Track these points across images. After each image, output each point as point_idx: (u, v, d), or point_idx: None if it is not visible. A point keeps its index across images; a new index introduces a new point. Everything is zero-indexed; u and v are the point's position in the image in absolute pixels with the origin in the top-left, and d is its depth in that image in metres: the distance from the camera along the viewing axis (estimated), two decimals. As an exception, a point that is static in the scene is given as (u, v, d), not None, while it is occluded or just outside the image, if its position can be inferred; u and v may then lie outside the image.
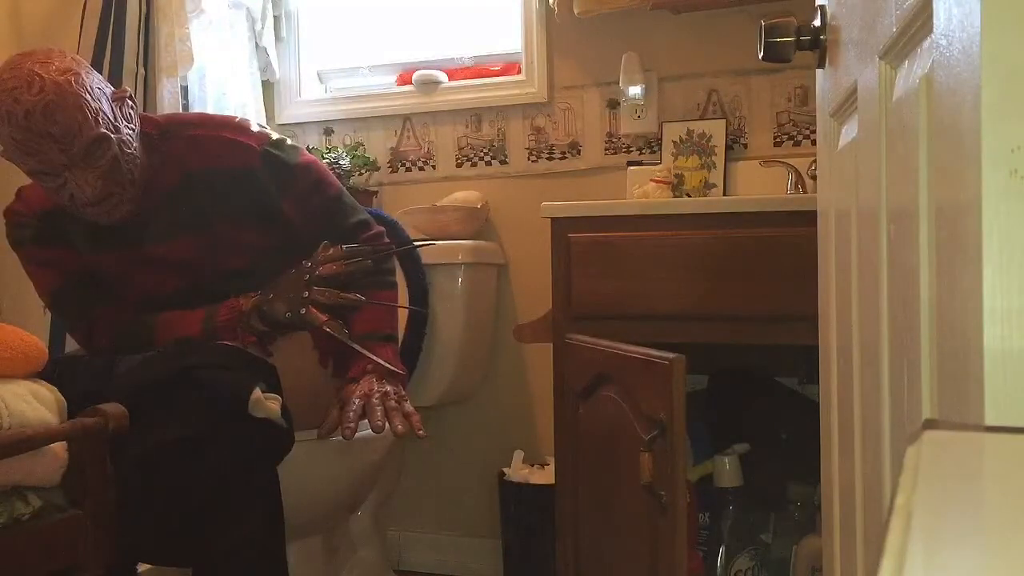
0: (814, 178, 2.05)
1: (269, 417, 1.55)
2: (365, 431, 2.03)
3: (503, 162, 2.55)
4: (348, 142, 2.69)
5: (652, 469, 1.45)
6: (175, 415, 1.54)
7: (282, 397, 1.60)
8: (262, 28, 2.67)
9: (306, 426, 1.71)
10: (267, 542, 1.56)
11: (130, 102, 1.72)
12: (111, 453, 1.39)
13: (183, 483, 1.53)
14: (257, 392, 1.54)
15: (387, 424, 1.71)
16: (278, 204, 1.80)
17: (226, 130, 1.80)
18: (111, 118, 1.67)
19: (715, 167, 2.30)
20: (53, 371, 1.46)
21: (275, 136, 1.85)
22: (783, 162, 2.20)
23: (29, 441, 1.28)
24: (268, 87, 2.75)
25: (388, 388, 1.77)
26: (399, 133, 2.65)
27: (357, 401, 1.74)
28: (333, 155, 2.57)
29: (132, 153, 1.70)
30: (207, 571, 1.56)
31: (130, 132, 1.71)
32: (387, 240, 1.91)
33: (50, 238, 1.81)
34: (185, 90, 2.51)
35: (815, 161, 1.76)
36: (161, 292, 1.80)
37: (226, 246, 1.79)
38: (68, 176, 1.64)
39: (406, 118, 2.65)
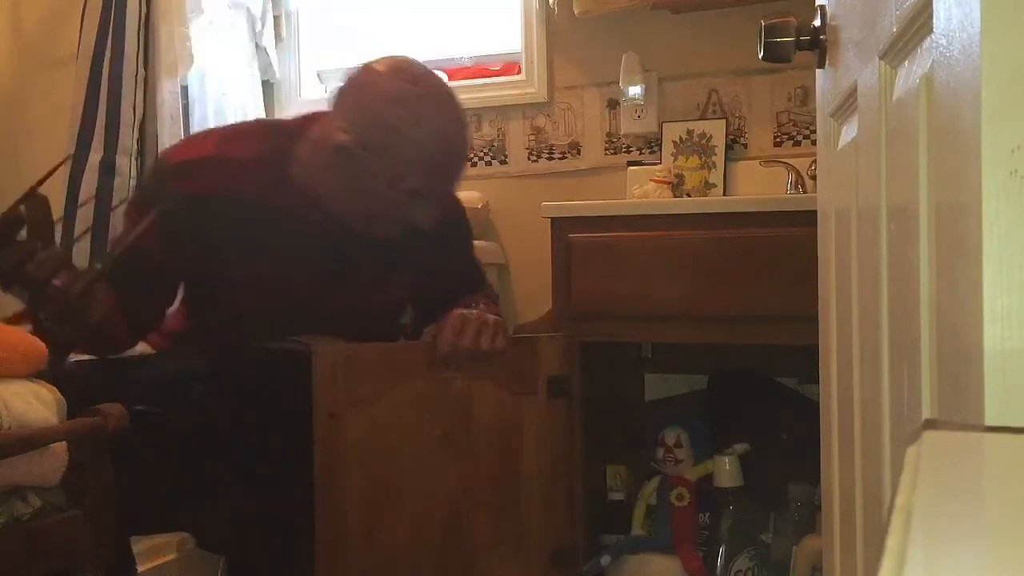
0: (814, 178, 2.05)
1: None
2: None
3: (503, 162, 2.55)
4: (348, 142, 2.69)
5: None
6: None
7: None
8: (262, 28, 2.67)
9: None
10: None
11: None
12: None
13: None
14: None
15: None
16: (442, 265, 1.79)
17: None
18: None
19: (715, 167, 2.30)
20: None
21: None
22: (783, 162, 2.20)
23: (29, 441, 1.28)
24: (268, 87, 2.74)
25: (489, 317, 1.71)
26: (399, 133, 2.65)
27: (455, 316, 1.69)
28: (333, 155, 2.57)
29: None
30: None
31: None
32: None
33: (181, 226, 1.67)
34: (185, 90, 2.52)
35: (815, 161, 1.76)
36: (247, 310, 1.74)
37: (353, 292, 1.76)
38: (420, 201, 1.63)
39: (406, 118, 2.64)
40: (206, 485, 1.60)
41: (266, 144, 1.71)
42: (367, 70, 1.65)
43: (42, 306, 1.47)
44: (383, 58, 1.69)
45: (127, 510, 1.54)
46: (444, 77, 1.71)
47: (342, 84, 1.68)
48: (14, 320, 1.50)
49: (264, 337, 1.70)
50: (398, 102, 1.59)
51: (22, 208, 1.45)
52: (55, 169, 1.75)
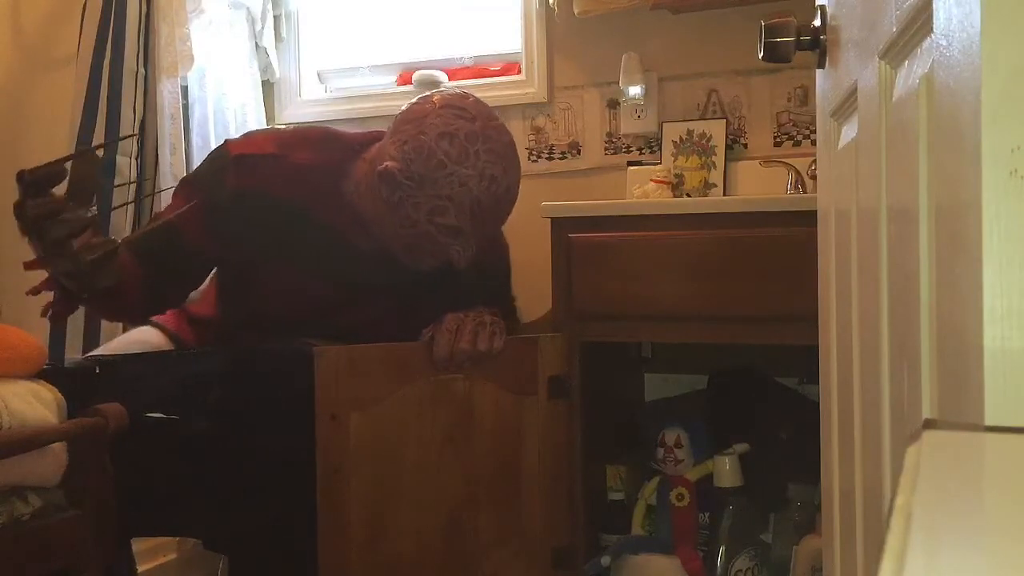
0: (814, 178, 2.06)
1: None
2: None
3: (503, 162, 2.55)
4: (348, 142, 2.68)
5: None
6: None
7: None
8: (262, 28, 2.67)
9: None
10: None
11: None
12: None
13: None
14: None
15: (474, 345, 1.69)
16: (473, 304, 1.78)
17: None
18: None
19: (715, 167, 2.30)
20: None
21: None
22: (783, 162, 2.20)
23: (29, 441, 1.28)
24: (268, 87, 2.74)
25: (486, 317, 1.72)
26: (399, 133, 2.65)
27: (449, 320, 1.70)
28: (333, 155, 2.56)
29: None
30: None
31: None
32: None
33: (224, 218, 1.66)
34: (185, 90, 2.52)
35: (815, 161, 1.76)
36: (271, 312, 1.75)
37: (379, 315, 1.76)
38: (459, 238, 1.63)
39: (406, 118, 2.64)
40: (212, 486, 1.60)
41: (326, 154, 1.71)
42: (426, 100, 1.65)
43: (53, 262, 1.46)
44: (447, 91, 1.69)
45: (134, 512, 1.54)
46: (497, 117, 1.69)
47: (401, 110, 1.68)
48: (29, 266, 1.50)
49: (281, 340, 1.71)
50: (448, 137, 1.58)
51: (67, 164, 1.45)
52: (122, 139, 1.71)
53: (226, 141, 1.76)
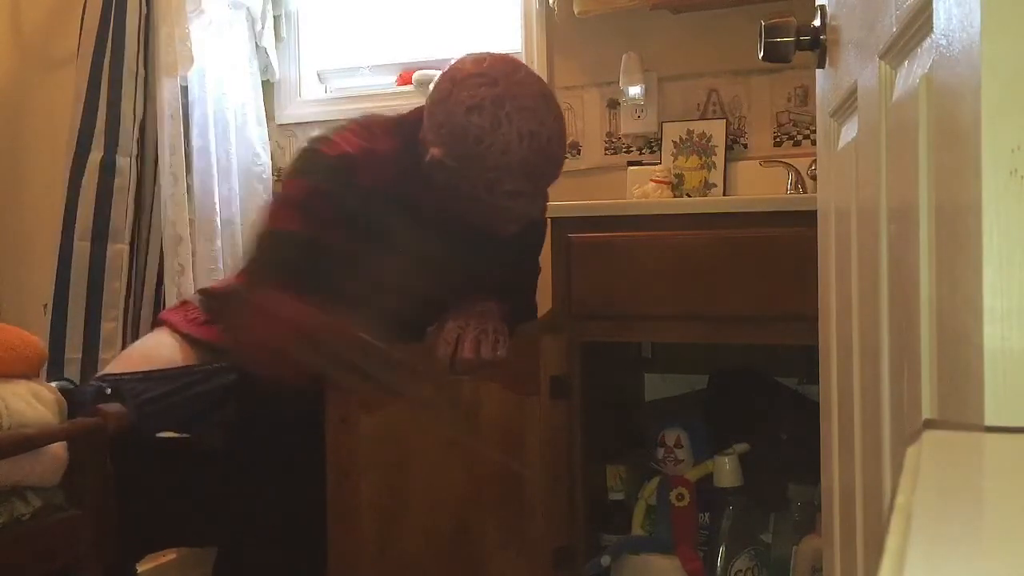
0: (814, 178, 2.05)
1: None
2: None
3: (503, 162, 2.55)
4: (348, 142, 2.68)
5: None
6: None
7: None
8: (262, 28, 2.67)
9: None
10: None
11: None
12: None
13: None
14: None
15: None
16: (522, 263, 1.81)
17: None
18: None
19: (715, 167, 2.30)
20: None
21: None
22: (783, 162, 2.20)
23: (29, 441, 1.28)
24: (268, 87, 2.74)
25: (488, 325, 1.71)
26: (399, 133, 2.65)
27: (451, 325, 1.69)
28: (333, 155, 2.56)
29: None
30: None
31: None
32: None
33: (368, 220, 1.68)
34: (185, 90, 2.52)
35: (815, 161, 1.76)
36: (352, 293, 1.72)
37: (467, 281, 1.76)
38: (523, 199, 1.64)
39: (406, 118, 2.64)
40: (225, 499, 1.59)
41: (401, 140, 1.73)
42: (446, 79, 1.65)
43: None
44: (464, 59, 1.68)
45: (146, 532, 1.53)
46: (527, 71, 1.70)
47: (430, 92, 1.68)
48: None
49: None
50: (476, 110, 1.58)
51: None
52: None
53: (319, 150, 1.71)
